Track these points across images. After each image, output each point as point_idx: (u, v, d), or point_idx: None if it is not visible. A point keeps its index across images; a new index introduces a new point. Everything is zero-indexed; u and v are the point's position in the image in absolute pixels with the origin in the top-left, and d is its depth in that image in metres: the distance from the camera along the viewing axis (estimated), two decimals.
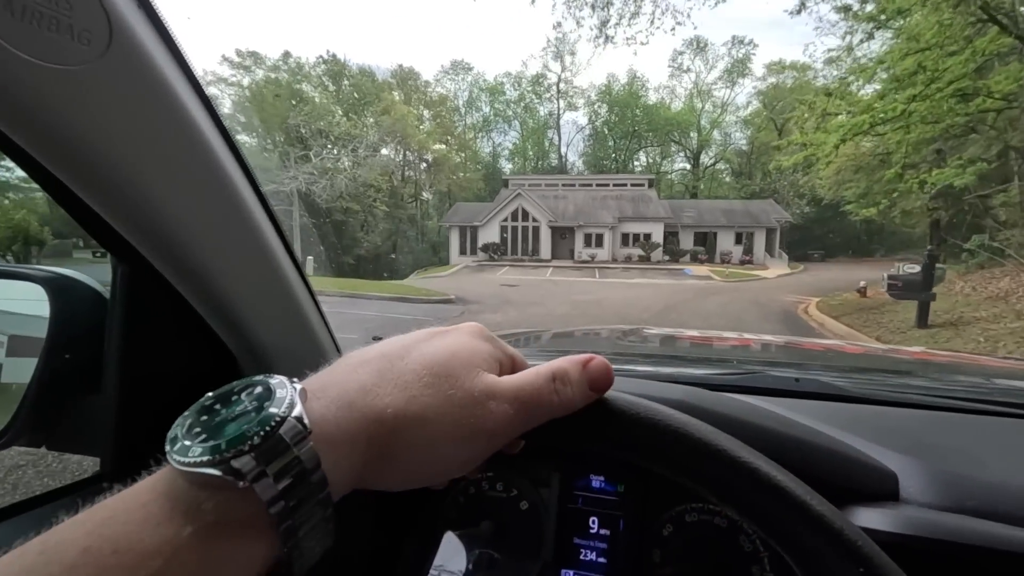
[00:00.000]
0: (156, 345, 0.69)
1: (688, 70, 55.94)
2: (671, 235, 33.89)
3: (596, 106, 55.41)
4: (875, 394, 0.79)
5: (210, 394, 0.28)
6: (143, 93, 0.47)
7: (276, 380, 0.28)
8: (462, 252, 34.77)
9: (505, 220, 34.06)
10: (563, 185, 38.43)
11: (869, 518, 0.46)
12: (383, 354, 0.32)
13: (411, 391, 0.30)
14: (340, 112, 32.51)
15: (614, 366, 1.01)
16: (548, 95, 56.36)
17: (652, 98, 54.61)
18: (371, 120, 34.77)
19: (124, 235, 0.54)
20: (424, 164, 46.27)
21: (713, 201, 42.23)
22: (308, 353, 0.81)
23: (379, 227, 36.68)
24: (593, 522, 0.62)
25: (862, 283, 14.21)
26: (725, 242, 33.98)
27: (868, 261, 43.57)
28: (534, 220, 33.67)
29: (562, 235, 34.05)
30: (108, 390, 0.67)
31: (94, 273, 0.74)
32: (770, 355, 1.49)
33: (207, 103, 0.54)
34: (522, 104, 57.07)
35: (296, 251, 0.72)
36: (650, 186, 37.77)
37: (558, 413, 0.34)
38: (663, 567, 0.59)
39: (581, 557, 0.61)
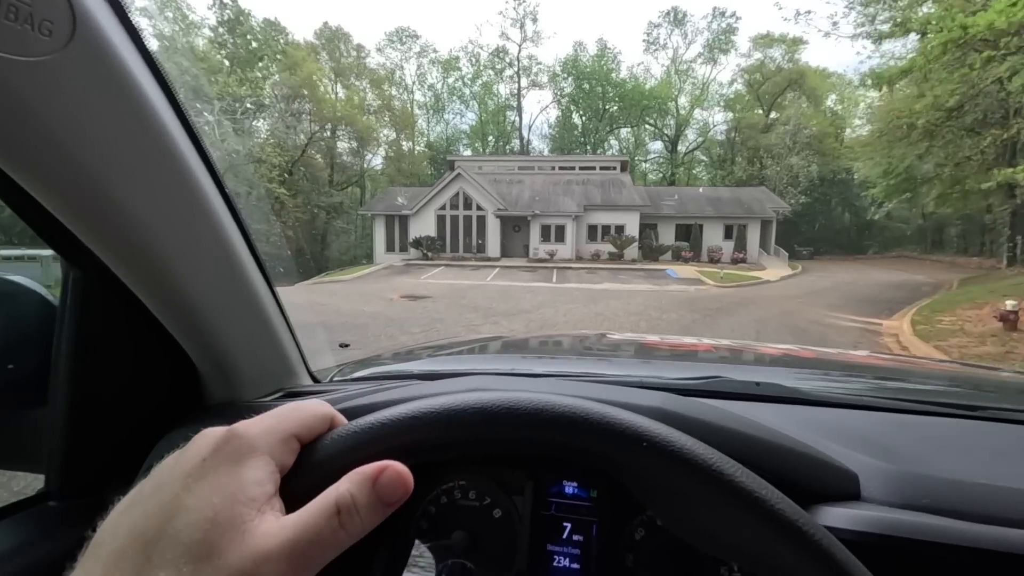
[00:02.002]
0: (110, 356, 0.66)
1: (665, 45, 50.03)
2: (648, 228, 27.68)
3: (561, 79, 48.92)
4: (833, 397, 0.82)
5: None
6: (107, 88, 0.45)
7: None
8: (389, 248, 27.89)
9: (443, 208, 27.27)
10: (520, 168, 31.79)
11: (833, 517, 0.48)
12: (137, 535, 0.29)
13: None
14: (228, 67, 25.38)
15: (582, 370, 1.02)
16: (509, 73, 49.74)
17: (625, 76, 48.49)
18: (271, 79, 27.36)
19: (82, 238, 0.52)
20: (351, 141, 38.97)
21: (697, 188, 36.28)
22: (276, 367, 0.80)
23: (290, 217, 29.45)
24: (567, 528, 0.63)
25: (1009, 303, 7.86)
26: (713, 236, 27.97)
27: (861, 259, 38.55)
28: (479, 208, 26.98)
29: (515, 227, 27.47)
30: (56, 403, 0.64)
31: None
32: (730, 359, 1.47)
33: (173, 100, 0.53)
34: (480, 81, 50.31)
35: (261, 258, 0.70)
36: (623, 169, 31.50)
37: (348, 545, 0.32)
38: (636, 571, 0.60)
39: (555, 564, 0.62)
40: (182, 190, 0.55)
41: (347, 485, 0.32)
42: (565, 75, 48.28)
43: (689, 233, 27.95)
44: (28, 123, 0.41)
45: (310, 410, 0.37)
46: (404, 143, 46.67)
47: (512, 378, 0.75)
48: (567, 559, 0.61)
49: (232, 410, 0.75)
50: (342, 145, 39.48)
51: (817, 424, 0.69)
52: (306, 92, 29.69)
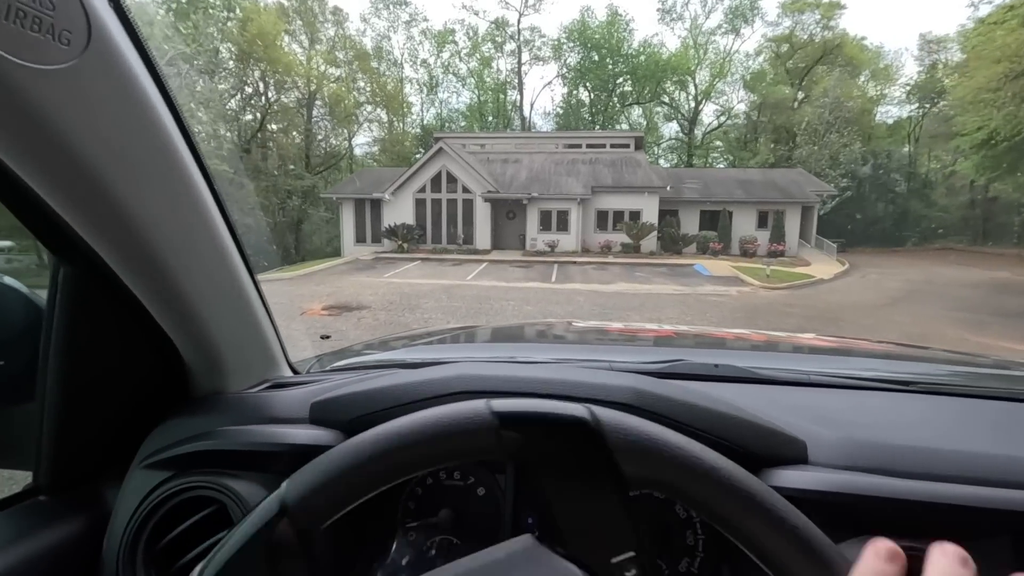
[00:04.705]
0: (99, 350, 0.68)
1: (682, 16, 45.05)
2: (668, 215, 23.21)
3: (566, 48, 43.99)
4: (784, 376, 0.88)
5: None
6: (117, 92, 0.48)
7: None
8: (359, 238, 23.56)
9: (422, 190, 22.89)
10: (517, 146, 27.29)
11: (783, 478, 0.55)
12: None
13: None
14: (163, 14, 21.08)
15: (556, 356, 1.16)
16: (509, 48, 45.07)
17: (637, 48, 43.54)
18: (209, 32, 22.88)
19: (86, 236, 0.55)
20: (328, 118, 34.46)
21: (724, 169, 31.73)
22: (259, 358, 0.84)
23: (248, 202, 25.19)
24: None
25: None
26: (744, 225, 23.50)
27: (901, 252, 33.65)
28: (465, 190, 22.58)
29: (508, 213, 23.08)
30: (44, 398, 0.66)
31: None
32: (691, 343, 1.52)
33: (172, 104, 0.56)
34: (477, 55, 45.68)
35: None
36: (637, 147, 26.99)
37: None
38: None
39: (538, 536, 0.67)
40: (179, 186, 0.58)
41: None
42: (571, 43, 43.37)
43: (716, 221, 23.46)
44: (44, 128, 0.43)
45: None
46: (396, 123, 42.32)
47: (499, 364, 0.79)
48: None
49: (220, 401, 0.78)
50: (323, 124, 35.17)
51: (769, 400, 0.73)
52: (256, 52, 25.12)
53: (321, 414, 0.68)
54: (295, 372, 0.93)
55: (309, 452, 0.55)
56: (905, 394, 0.83)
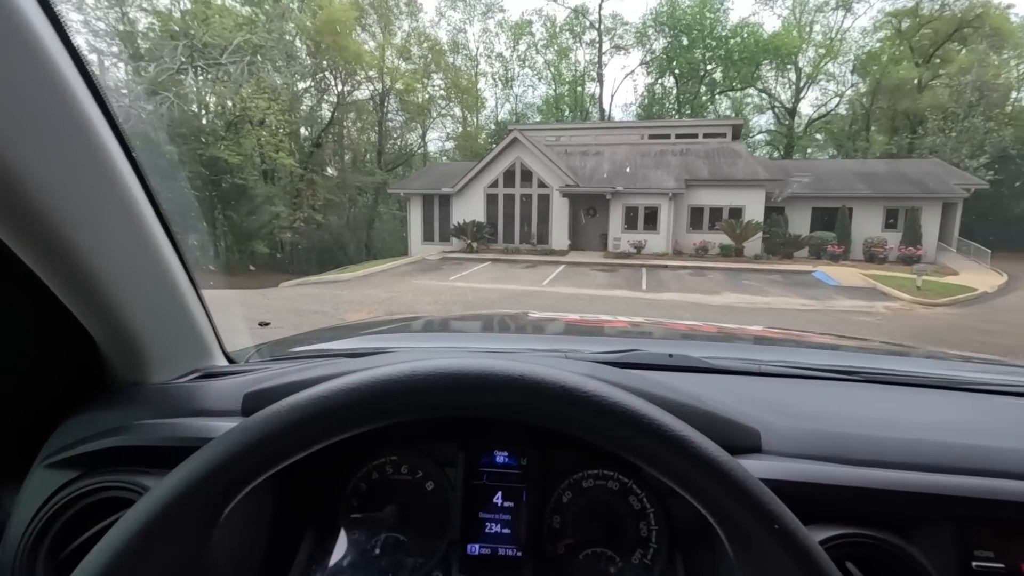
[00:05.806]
0: None
1: None
2: (774, 213, 20.00)
3: (652, 33, 40.74)
4: (736, 366, 0.89)
5: None
6: (3, 37, 0.43)
7: None
8: (427, 237, 22.13)
9: (494, 185, 21.09)
10: (596, 139, 24.87)
11: None
12: None
13: None
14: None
15: (510, 346, 1.25)
16: (588, 38, 42.51)
17: (731, 31, 39.53)
18: (284, 20, 22.12)
19: None
20: (400, 113, 33.51)
21: (840, 161, 27.64)
22: (188, 347, 0.78)
23: (319, 199, 24.59)
24: (498, 496, 0.66)
25: None
26: (868, 224, 19.90)
27: None
28: (541, 184, 20.53)
29: (588, 210, 20.79)
30: None
31: None
32: (646, 334, 1.53)
33: (75, 54, 0.50)
34: (555, 46, 43.48)
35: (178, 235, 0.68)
36: (735, 136, 23.83)
37: None
38: (562, 531, 0.65)
39: (487, 531, 0.65)
40: (88, 160, 0.53)
41: None
42: (658, 27, 39.98)
43: (833, 220, 19.96)
44: None
45: None
46: (469, 118, 41.09)
47: (445, 352, 0.75)
48: (498, 525, 0.64)
49: (140, 392, 0.73)
50: (396, 119, 34.44)
51: (722, 389, 0.74)
52: (326, 41, 24.30)
53: (254, 405, 0.62)
54: (232, 362, 0.88)
55: None
56: (850, 383, 0.85)
